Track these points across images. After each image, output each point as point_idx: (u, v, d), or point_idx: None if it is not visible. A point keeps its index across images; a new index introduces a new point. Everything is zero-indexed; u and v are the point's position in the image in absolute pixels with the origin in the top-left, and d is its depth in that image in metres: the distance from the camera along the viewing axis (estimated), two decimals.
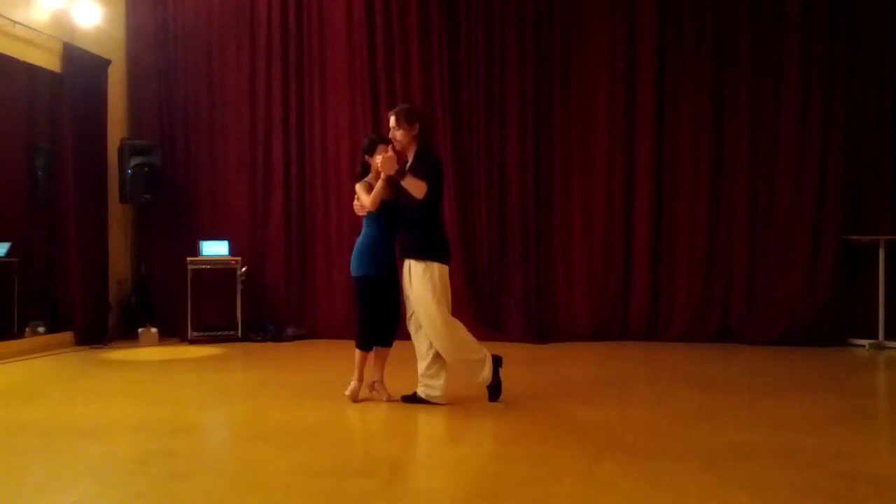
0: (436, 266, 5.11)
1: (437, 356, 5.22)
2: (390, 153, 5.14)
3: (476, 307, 8.74)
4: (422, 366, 5.28)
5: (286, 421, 4.93)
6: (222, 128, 9.42)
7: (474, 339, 5.30)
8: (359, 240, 5.39)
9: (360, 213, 5.37)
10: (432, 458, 4.23)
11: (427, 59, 8.99)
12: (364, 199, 5.23)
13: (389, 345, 5.42)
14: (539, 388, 6.11)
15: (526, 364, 7.46)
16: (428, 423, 4.79)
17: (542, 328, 8.73)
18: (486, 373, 5.27)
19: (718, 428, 4.75)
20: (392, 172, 5.03)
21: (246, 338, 8.86)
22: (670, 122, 8.70)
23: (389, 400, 5.34)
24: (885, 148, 8.22)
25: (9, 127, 8.31)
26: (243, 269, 8.94)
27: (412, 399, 5.29)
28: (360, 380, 5.39)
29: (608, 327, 8.74)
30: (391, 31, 9.07)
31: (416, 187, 5.04)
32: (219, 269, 8.96)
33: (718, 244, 8.62)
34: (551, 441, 4.46)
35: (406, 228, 5.26)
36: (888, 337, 7.94)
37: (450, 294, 5.22)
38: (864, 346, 7.99)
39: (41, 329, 8.26)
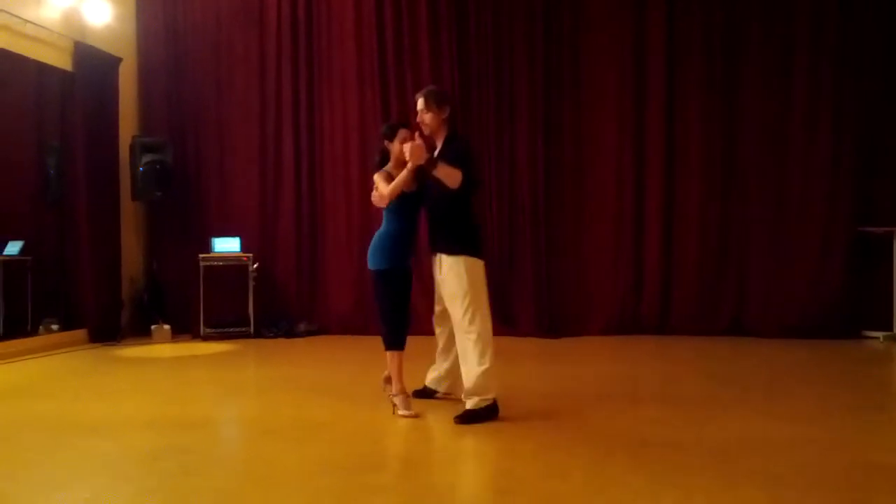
0: (468, 260, 4.80)
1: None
2: (418, 140, 4.78)
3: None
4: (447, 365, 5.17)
5: (298, 417, 4.94)
6: (232, 124, 9.44)
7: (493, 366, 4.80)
8: (379, 233, 5.00)
9: (380, 205, 4.94)
10: (444, 453, 4.23)
11: (437, 55, 8.99)
12: (383, 189, 4.82)
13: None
14: (550, 383, 6.11)
15: (537, 359, 7.46)
16: (439, 419, 4.78)
17: (554, 323, 8.71)
18: (479, 402, 4.72)
19: (730, 421, 4.73)
20: (422, 161, 4.63)
21: (258, 334, 8.88)
22: (680, 117, 8.67)
23: (407, 416, 4.86)
24: (895, 138, 8.16)
25: (21, 125, 8.36)
26: (255, 266, 8.96)
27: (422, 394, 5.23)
28: (404, 389, 4.92)
29: (620, 322, 8.72)
30: (401, 25, 9.07)
31: (450, 176, 4.65)
32: (230, 266, 8.98)
33: (730, 237, 8.59)
34: (562, 436, 4.45)
35: (435, 221, 4.94)
36: None
37: (485, 291, 4.88)
38: (878, 337, 7.95)
39: (55, 327, 8.29)
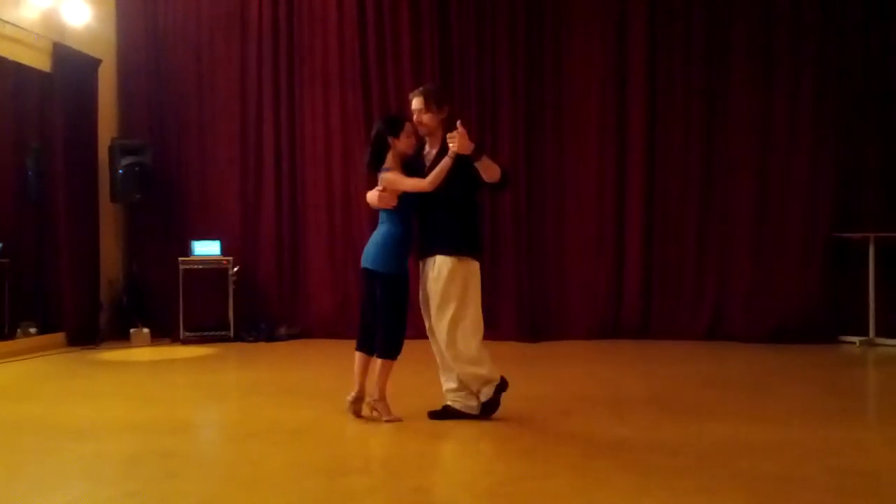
0: (471, 262, 4.70)
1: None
2: (461, 128, 4.52)
3: None
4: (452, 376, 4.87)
5: (280, 420, 4.92)
6: (213, 126, 9.39)
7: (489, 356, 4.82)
8: (381, 235, 4.77)
9: (386, 206, 4.73)
10: (426, 456, 4.23)
11: (418, 56, 8.99)
12: (408, 184, 4.64)
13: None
14: (532, 387, 6.11)
15: (519, 362, 7.46)
16: (421, 422, 4.78)
17: (535, 326, 8.72)
18: (488, 391, 4.77)
19: (712, 424, 4.76)
20: (468, 151, 4.47)
21: (238, 338, 8.83)
22: (661, 119, 8.71)
23: (391, 420, 4.75)
24: (874, 145, 8.25)
25: None
26: (235, 269, 8.92)
27: (442, 415, 4.85)
28: (386, 395, 4.77)
29: (601, 325, 8.74)
30: (382, 26, 9.06)
31: (492, 169, 4.59)
32: (210, 269, 8.93)
33: (710, 242, 8.63)
34: (545, 438, 4.47)
35: (435, 222, 4.73)
36: (879, 334, 7.95)
37: (479, 293, 4.76)
38: (855, 343, 8.01)
39: (33, 330, 8.20)
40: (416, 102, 4.76)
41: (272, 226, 9.27)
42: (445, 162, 4.56)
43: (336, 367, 7.09)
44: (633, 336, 8.60)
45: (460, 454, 4.23)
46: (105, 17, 9.18)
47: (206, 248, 8.97)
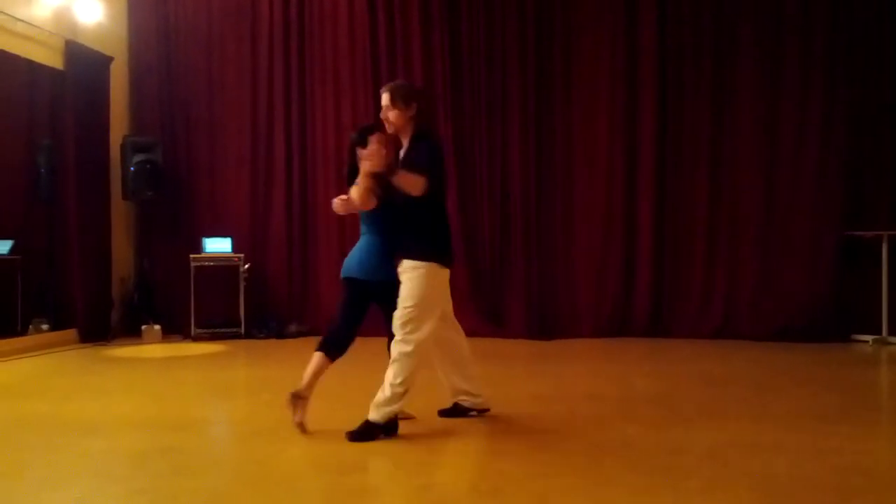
0: (431, 267, 4.38)
1: (471, 356, 4.85)
2: (375, 144, 4.36)
3: (478, 304, 8.78)
4: (464, 374, 4.81)
5: (288, 417, 4.90)
6: (224, 124, 9.43)
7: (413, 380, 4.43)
8: (370, 243, 4.59)
9: (341, 212, 4.70)
10: (433, 453, 4.22)
11: (429, 54, 9.01)
12: (353, 195, 4.47)
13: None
14: (541, 385, 6.12)
15: (527, 360, 7.47)
16: (428, 420, 4.78)
17: (545, 324, 8.72)
18: (392, 410, 4.39)
19: (720, 422, 4.75)
20: (379, 168, 4.24)
21: (248, 335, 8.87)
22: (671, 117, 8.70)
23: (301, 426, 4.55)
24: (885, 143, 8.22)
25: (11, 124, 8.35)
26: (246, 266, 8.95)
27: (453, 412, 4.83)
28: (309, 395, 4.60)
29: (610, 324, 8.73)
30: (393, 25, 9.08)
31: (411, 183, 4.27)
32: (221, 266, 8.97)
33: (720, 240, 8.61)
34: (553, 436, 4.46)
35: (401, 226, 4.51)
36: (892, 333, 7.92)
37: (440, 305, 4.50)
38: (867, 341, 7.97)
39: (45, 326, 8.27)
40: (383, 99, 4.53)
41: (282, 223, 9.30)
42: (360, 179, 4.36)
43: (343, 365, 7.08)
44: (642, 334, 8.60)
45: (466, 452, 4.22)
46: (117, 14, 9.23)
47: (218, 245, 9.01)
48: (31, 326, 8.19)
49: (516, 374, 6.73)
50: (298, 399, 4.56)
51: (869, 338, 7.98)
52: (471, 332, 8.32)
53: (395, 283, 4.49)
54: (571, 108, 8.90)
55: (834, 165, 8.27)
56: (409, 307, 4.35)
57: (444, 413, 4.89)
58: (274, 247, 9.35)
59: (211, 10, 9.46)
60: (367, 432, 4.33)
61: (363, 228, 4.68)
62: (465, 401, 4.86)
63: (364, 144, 4.50)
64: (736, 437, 4.41)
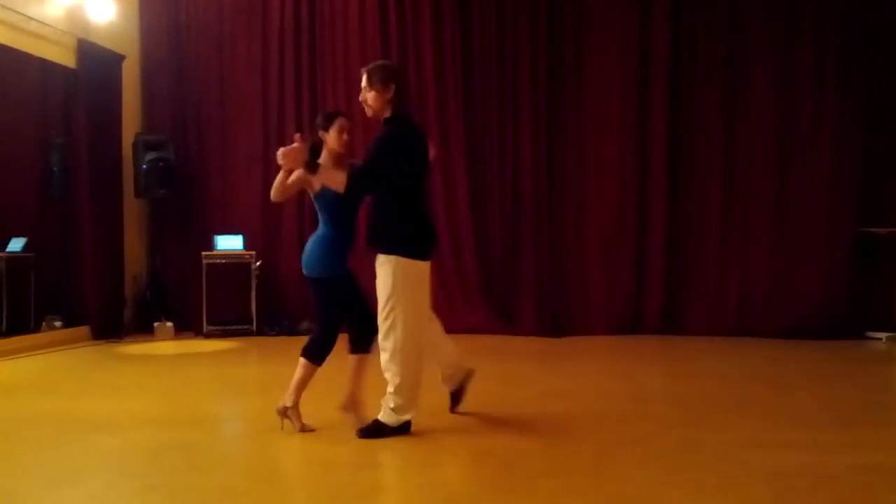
0: (400, 261, 4.25)
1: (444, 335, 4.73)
2: (297, 143, 4.21)
3: (489, 301, 8.77)
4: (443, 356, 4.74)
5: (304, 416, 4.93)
6: (235, 122, 9.44)
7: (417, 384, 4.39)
8: (313, 239, 4.55)
9: (290, 167, 4.33)
10: (445, 451, 4.22)
11: (440, 52, 8.99)
12: (276, 184, 4.40)
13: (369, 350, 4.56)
14: (552, 383, 6.10)
15: (539, 358, 7.46)
16: (440, 417, 4.77)
17: (556, 322, 8.69)
18: (400, 419, 4.34)
19: (734, 420, 4.73)
20: (296, 166, 4.16)
21: (260, 332, 8.88)
22: (683, 115, 8.66)
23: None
24: None
25: (24, 123, 8.37)
26: (257, 264, 8.96)
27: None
28: (298, 403, 4.50)
29: (623, 321, 8.69)
30: (404, 22, 9.07)
31: (333, 182, 4.17)
32: (233, 264, 8.98)
33: (733, 237, 8.57)
34: (566, 433, 4.45)
35: (370, 217, 4.42)
36: None
37: (416, 298, 4.34)
38: (881, 339, 7.92)
39: (57, 323, 8.30)
40: (363, 80, 4.39)
41: (294, 221, 9.29)
42: (293, 175, 4.32)
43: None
44: (654, 332, 8.56)
45: (479, 450, 4.21)
46: (128, 13, 9.25)
47: (229, 243, 9.02)
48: (44, 323, 8.22)
49: (527, 371, 6.72)
50: (286, 410, 4.50)
51: (883, 335, 7.93)
52: (481, 330, 8.49)
53: (342, 278, 4.44)
54: (583, 105, 8.87)
55: (848, 162, 8.22)
56: (381, 304, 4.30)
57: (453, 406, 4.86)
58: (285, 244, 9.35)
59: (222, 8, 9.47)
60: (376, 430, 4.32)
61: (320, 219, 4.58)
62: (452, 379, 4.80)
63: (326, 128, 4.44)
64: (751, 434, 4.38)
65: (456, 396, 4.90)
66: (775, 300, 8.39)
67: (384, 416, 4.36)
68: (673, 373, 6.58)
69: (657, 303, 8.68)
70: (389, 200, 4.33)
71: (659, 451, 4.04)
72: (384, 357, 4.34)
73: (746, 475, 3.62)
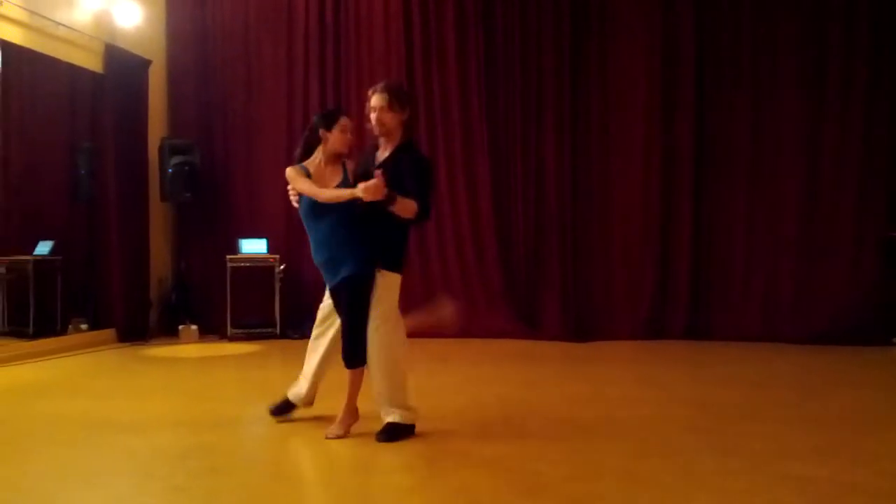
0: (395, 278, 4.44)
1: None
2: (378, 178, 4.12)
3: (513, 305, 8.74)
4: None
5: (323, 417, 4.93)
6: (260, 126, 9.48)
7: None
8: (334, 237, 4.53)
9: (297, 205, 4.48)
10: (470, 455, 4.20)
11: (463, 52, 8.98)
12: (303, 187, 4.33)
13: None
14: (577, 387, 6.06)
15: (564, 362, 7.41)
16: (464, 421, 4.76)
17: (581, 326, 8.64)
18: (406, 415, 4.44)
19: (761, 426, 4.68)
20: (379, 197, 4.10)
21: (284, 335, 8.90)
22: (709, 114, 8.59)
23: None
24: None
25: (52, 127, 8.47)
26: (281, 267, 8.99)
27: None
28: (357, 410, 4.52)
29: (648, 326, 8.63)
30: (428, 25, 9.07)
31: (407, 210, 4.23)
32: (257, 267, 9.01)
33: (759, 241, 8.49)
34: (591, 438, 4.42)
35: (365, 232, 4.45)
36: None
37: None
38: None
39: (84, 326, 8.38)
40: (377, 99, 4.41)
41: None
42: (345, 193, 4.24)
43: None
44: (680, 337, 8.49)
45: (503, 454, 4.18)
46: (155, 18, 9.32)
47: (254, 247, 9.06)
48: (70, 326, 8.30)
49: (552, 375, 6.69)
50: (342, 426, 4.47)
51: None
52: (504, 334, 8.47)
53: (358, 278, 4.41)
54: (608, 107, 8.82)
55: (877, 165, 8.12)
56: (376, 311, 4.42)
57: (278, 412, 4.88)
58: (309, 248, 9.29)
59: (247, 14, 9.52)
60: (392, 433, 4.34)
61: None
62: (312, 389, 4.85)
63: (329, 127, 4.43)
64: (778, 440, 4.33)
65: (289, 407, 4.92)
66: (802, 306, 8.29)
67: (395, 417, 4.40)
68: (699, 378, 6.52)
69: (682, 307, 8.61)
70: (393, 220, 4.31)
71: (685, 457, 4.00)
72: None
73: (774, 481, 3.58)
